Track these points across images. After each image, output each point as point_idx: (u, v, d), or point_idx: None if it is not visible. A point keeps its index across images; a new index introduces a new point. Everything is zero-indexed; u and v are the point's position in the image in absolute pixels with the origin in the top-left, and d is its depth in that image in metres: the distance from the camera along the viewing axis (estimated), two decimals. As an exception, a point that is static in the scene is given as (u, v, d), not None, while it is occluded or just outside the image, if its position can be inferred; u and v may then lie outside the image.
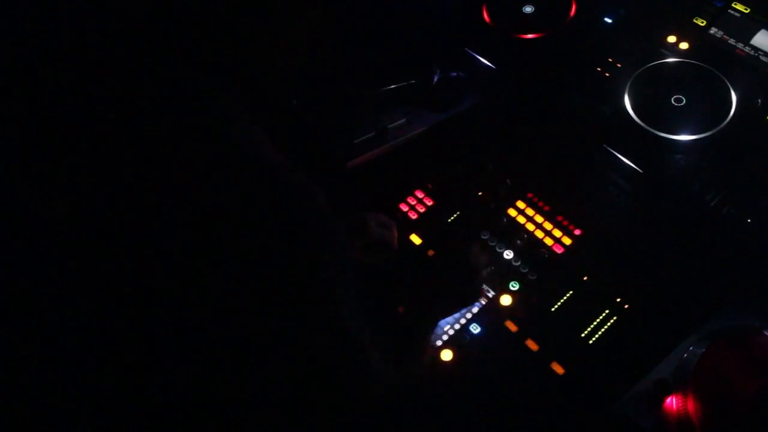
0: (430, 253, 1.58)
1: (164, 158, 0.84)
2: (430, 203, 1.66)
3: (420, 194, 1.67)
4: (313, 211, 0.87)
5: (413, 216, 1.64)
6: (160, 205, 0.83)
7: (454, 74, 1.79)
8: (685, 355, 1.33)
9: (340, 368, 0.94)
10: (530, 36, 1.77)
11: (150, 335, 0.86)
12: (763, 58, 1.64)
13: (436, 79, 1.77)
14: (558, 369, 1.39)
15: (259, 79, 0.99)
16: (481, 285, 1.47)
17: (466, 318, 1.46)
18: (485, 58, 1.83)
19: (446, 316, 1.44)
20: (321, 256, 0.88)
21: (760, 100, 1.58)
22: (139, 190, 0.83)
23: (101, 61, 0.91)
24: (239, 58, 0.93)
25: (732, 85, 1.59)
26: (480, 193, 1.65)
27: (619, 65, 1.71)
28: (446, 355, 1.43)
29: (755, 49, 1.65)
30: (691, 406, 1.22)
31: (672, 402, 1.26)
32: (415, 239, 1.60)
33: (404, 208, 1.66)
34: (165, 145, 0.84)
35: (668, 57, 1.69)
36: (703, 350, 1.29)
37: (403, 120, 1.76)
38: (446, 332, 1.45)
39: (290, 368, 0.90)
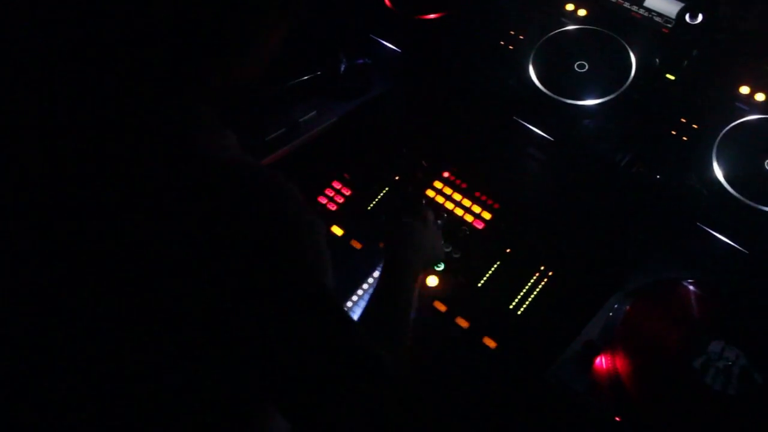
0: (354, 244, 1.57)
1: (138, 170, 0.82)
2: (348, 193, 1.64)
3: (337, 185, 1.66)
4: (292, 206, 0.86)
5: (332, 207, 1.62)
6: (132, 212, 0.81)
7: (361, 61, 1.78)
8: (610, 314, 1.35)
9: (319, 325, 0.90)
10: (431, 16, 1.76)
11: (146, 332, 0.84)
12: (657, 19, 1.67)
13: (343, 68, 1.75)
14: (490, 343, 1.39)
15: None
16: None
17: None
18: (390, 43, 1.82)
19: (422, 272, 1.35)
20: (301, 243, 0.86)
21: (658, 60, 1.62)
22: (106, 197, 0.82)
23: (66, 73, 0.89)
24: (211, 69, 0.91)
25: (630, 48, 1.62)
26: (397, 178, 1.64)
27: (521, 37, 1.72)
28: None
29: (649, 10, 1.69)
30: (618, 363, 1.25)
31: (601, 361, 1.28)
32: (337, 230, 1.58)
33: (323, 200, 1.64)
34: (137, 154, 0.83)
35: (568, 25, 1.71)
36: (626, 307, 1.32)
37: (314, 112, 1.73)
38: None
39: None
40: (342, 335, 0.87)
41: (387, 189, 1.63)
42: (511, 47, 1.72)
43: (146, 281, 0.81)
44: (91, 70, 0.88)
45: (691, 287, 1.36)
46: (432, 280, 1.47)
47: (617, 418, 1.22)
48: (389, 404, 0.87)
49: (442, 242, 1.46)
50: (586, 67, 1.62)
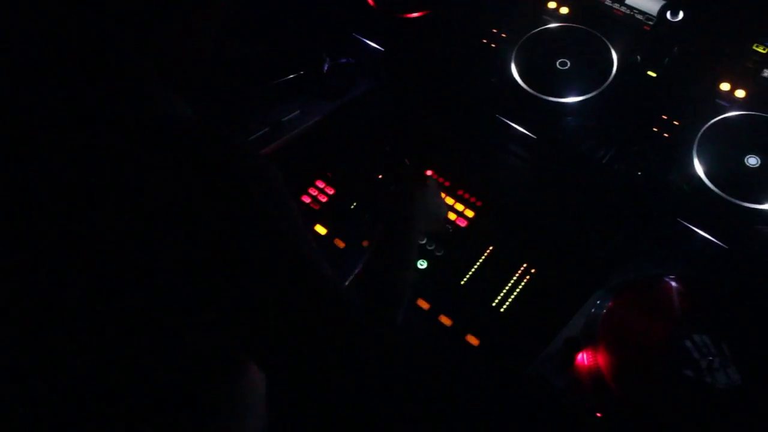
0: (338, 243, 1.56)
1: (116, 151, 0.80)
2: (331, 192, 1.64)
3: (321, 184, 1.65)
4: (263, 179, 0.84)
5: (316, 207, 1.62)
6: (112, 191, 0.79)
7: (344, 61, 1.78)
8: (592, 310, 1.36)
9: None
10: (414, 15, 1.76)
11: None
12: (638, 16, 1.68)
13: (326, 68, 1.75)
14: (473, 341, 1.39)
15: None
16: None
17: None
18: (372, 41, 1.82)
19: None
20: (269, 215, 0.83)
21: (639, 57, 1.62)
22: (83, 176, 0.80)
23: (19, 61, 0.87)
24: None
25: (612, 45, 1.63)
26: (380, 177, 1.64)
27: (503, 35, 1.73)
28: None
29: (631, 8, 1.70)
30: (600, 359, 1.24)
31: (583, 358, 1.28)
32: (320, 229, 1.58)
33: (306, 199, 1.63)
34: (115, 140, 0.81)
35: (550, 23, 1.71)
36: (607, 304, 1.32)
37: (297, 111, 1.73)
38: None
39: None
40: (319, 293, 0.85)
41: (370, 188, 1.63)
42: (493, 45, 1.72)
43: (115, 247, 0.79)
44: (32, 41, 0.87)
45: (672, 283, 1.37)
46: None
47: (598, 414, 1.22)
48: (366, 360, 0.86)
49: (445, 202, 1.44)
50: (568, 65, 1.63)
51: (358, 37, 1.84)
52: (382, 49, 1.81)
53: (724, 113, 1.50)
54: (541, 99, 1.59)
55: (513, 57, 1.65)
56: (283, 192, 0.88)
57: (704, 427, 1.18)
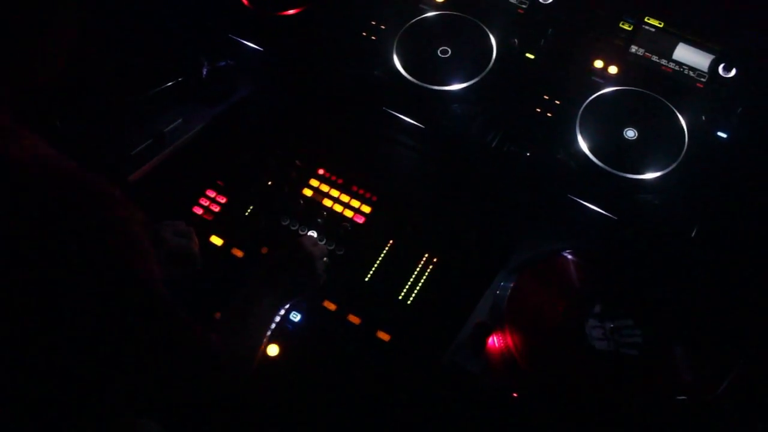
0: (236, 252, 1.51)
1: None
2: (223, 201, 1.58)
3: (212, 193, 1.59)
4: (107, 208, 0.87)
5: (209, 217, 1.56)
6: None
7: (223, 63, 1.72)
8: (497, 292, 1.38)
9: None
10: (290, 12, 1.73)
11: None
12: (512, 0, 1.71)
13: (205, 72, 1.69)
14: (384, 336, 1.38)
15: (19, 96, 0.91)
16: (321, 272, 1.39)
17: (284, 308, 1.41)
18: (250, 42, 1.76)
19: (285, 304, 1.34)
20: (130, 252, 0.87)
21: (516, 40, 1.65)
22: None
23: None
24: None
25: (490, 30, 1.66)
26: (271, 181, 1.60)
27: (382, 27, 1.72)
28: (272, 350, 1.38)
29: (503, -8, 1.73)
30: (510, 340, 1.27)
31: (494, 341, 1.30)
32: (216, 240, 1.52)
33: (198, 211, 1.57)
34: None
35: (427, 12, 1.72)
36: (511, 284, 1.34)
37: (179, 120, 1.66)
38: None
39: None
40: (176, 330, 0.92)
41: (263, 193, 1.59)
42: (373, 37, 1.71)
43: None
44: None
45: (569, 257, 1.41)
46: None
47: (515, 395, 1.24)
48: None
49: (318, 268, 1.38)
50: (449, 53, 1.64)
51: (235, 38, 1.78)
52: (262, 49, 1.76)
53: (600, 90, 1.56)
54: (426, 88, 1.60)
55: (394, 48, 1.65)
56: (141, 234, 0.91)
57: (612, 392, 1.23)
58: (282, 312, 1.34)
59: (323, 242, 1.49)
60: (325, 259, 1.42)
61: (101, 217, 0.86)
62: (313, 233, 1.50)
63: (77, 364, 0.87)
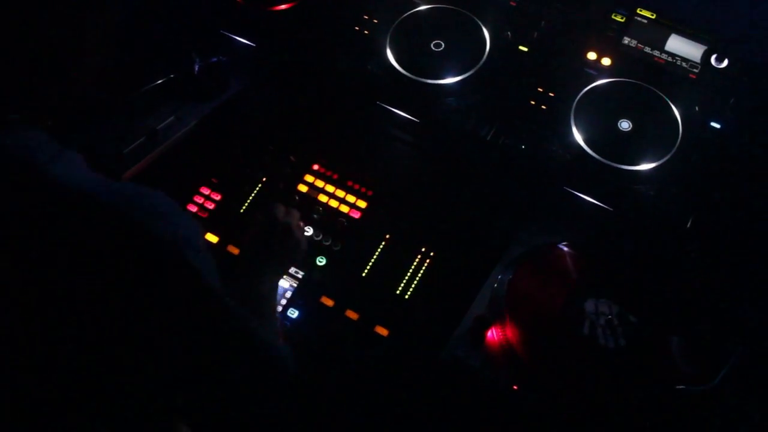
0: (231, 249, 1.51)
1: None
2: (218, 198, 1.57)
3: (206, 191, 1.58)
4: (156, 213, 0.87)
5: (204, 215, 1.55)
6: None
7: (215, 60, 1.71)
8: (495, 285, 1.38)
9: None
10: (282, 7, 1.72)
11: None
12: (503, -7, 1.71)
13: (197, 69, 1.68)
14: (382, 331, 1.38)
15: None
16: (300, 237, 1.37)
17: (281, 305, 1.41)
18: (242, 37, 1.75)
19: (282, 274, 1.34)
20: (182, 256, 0.86)
21: (509, 33, 1.65)
22: None
23: None
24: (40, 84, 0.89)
25: (483, 23, 1.65)
26: (266, 177, 1.59)
27: (375, 21, 1.71)
28: (270, 348, 1.38)
29: (495, -15, 1.73)
30: (509, 332, 1.27)
31: (493, 334, 1.30)
32: (212, 238, 1.52)
33: (193, 208, 1.56)
34: None
35: (419, 5, 1.71)
36: (509, 277, 1.34)
37: (172, 117, 1.65)
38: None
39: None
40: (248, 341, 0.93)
41: (258, 188, 1.58)
42: (366, 32, 1.70)
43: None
44: None
45: (565, 249, 1.41)
46: (316, 276, 1.44)
47: (515, 387, 1.25)
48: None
49: (297, 234, 1.36)
50: (443, 46, 1.64)
51: (227, 33, 1.76)
52: (253, 44, 1.75)
53: (594, 82, 1.56)
54: (420, 82, 1.59)
55: (387, 42, 1.65)
56: (204, 249, 0.92)
57: (611, 382, 1.23)
58: (280, 310, 1.33)
59: (320, 238, 1.48)
60: (300, 223, 1.41)
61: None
62: (309, 229, 1.50)
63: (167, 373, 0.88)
